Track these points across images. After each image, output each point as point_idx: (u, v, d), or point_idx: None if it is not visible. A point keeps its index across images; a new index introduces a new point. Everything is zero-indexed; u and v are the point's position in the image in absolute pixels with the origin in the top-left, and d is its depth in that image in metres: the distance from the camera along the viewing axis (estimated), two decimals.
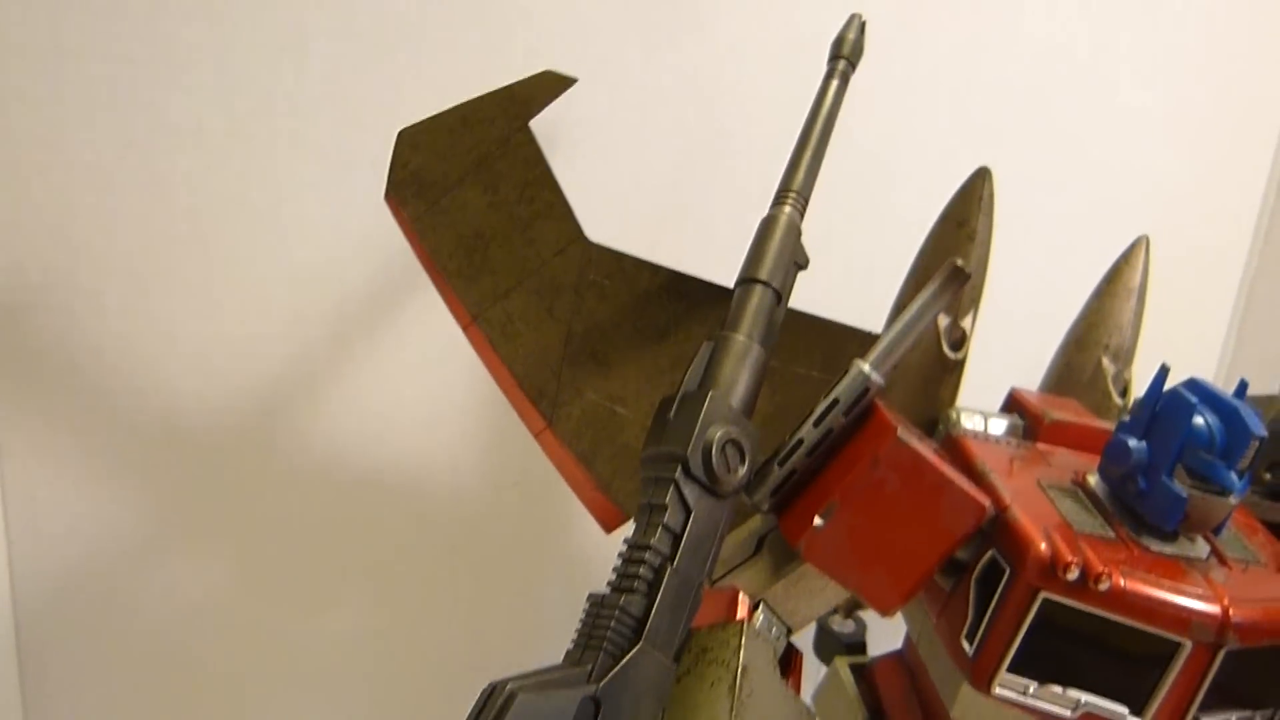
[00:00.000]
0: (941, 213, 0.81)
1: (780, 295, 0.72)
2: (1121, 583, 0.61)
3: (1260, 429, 0.64)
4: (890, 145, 1.14)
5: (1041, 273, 1.14)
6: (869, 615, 0.99)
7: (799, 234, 0.75)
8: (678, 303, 0.78)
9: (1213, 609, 0.62)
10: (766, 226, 0.74)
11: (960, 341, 0.81)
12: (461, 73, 1.04)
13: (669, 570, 0.59)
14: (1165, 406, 0.66)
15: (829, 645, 0.98)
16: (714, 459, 0.61)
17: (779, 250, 0.72)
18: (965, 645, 0.67)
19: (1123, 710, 0.65)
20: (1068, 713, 0.65)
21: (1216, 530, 0.67)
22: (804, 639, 0.96)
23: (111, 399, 1.10)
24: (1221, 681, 0.68)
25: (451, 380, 1.11)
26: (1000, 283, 0.93)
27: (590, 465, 0.84)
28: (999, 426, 0.79)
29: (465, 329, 0.78)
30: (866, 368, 0.64)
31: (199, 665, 1.19)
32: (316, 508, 1.15)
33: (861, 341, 0.82)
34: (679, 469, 0.61)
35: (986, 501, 0.64)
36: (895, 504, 0.63)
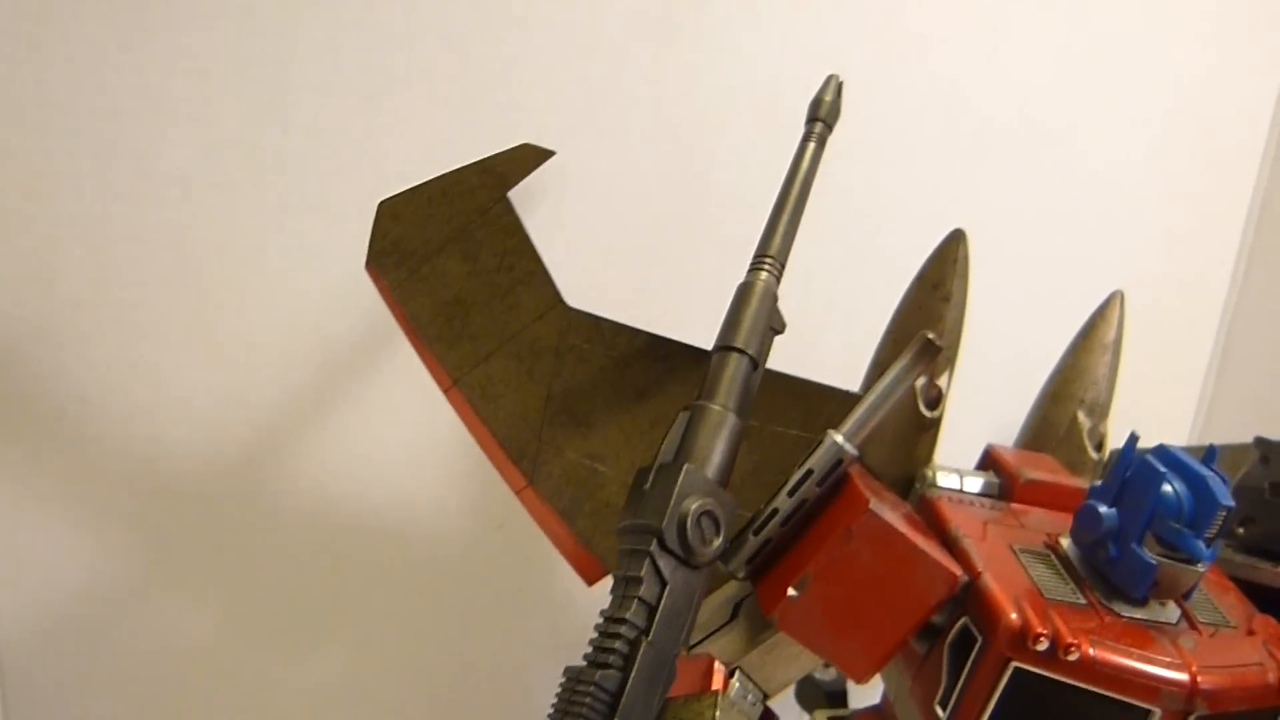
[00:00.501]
0: (917, 274, 0.82)
1: (756, 362, 0.73)
2: (1091, 652, 0.62)
3: (1227, 499, 0.65)
4: (864, 198, 1.16)
5: (1019, 327, 1.16)
6: None
7: (775, 300, 0.76)
8: (656, 365, 0.79)
9: (1181, 677, 0.63)
10: (743, 293, 0.75)
11: (936, 400, 0.82)
12: (443, 126, 1.05)
13: (644, 644, 0.60)
14: (1135, 474, 0.67)
15: (810, 693, 0.99)
16: (689, 531, 0.62)
17: (755, 317, 0.73)
18: (939, 711, 0.68)
19: None
20: None
21: (1186, 595, 0.68)
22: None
23: (98, 446, 1.10)
24: None
25: (437, 423, 1.12)
26: (979, 336, 0.95)
27: (571, 521, 0.85)
28: (975, 484, 0.80)
29: (446, 392, 0.79)
30: (840, 439, 0.65)
31: (184, 712, 1.19)
32: (302, 553, 1.16)
33: (840, 401, 0.83)
34: (654, 542, 0.62)
35: (959, 571, 0.65)
36: (868, 575, 0.64)
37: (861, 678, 0.67)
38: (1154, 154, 1.23)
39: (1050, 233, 1.21)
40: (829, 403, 0.83)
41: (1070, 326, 0.92)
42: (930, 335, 0.64)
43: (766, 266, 0.77)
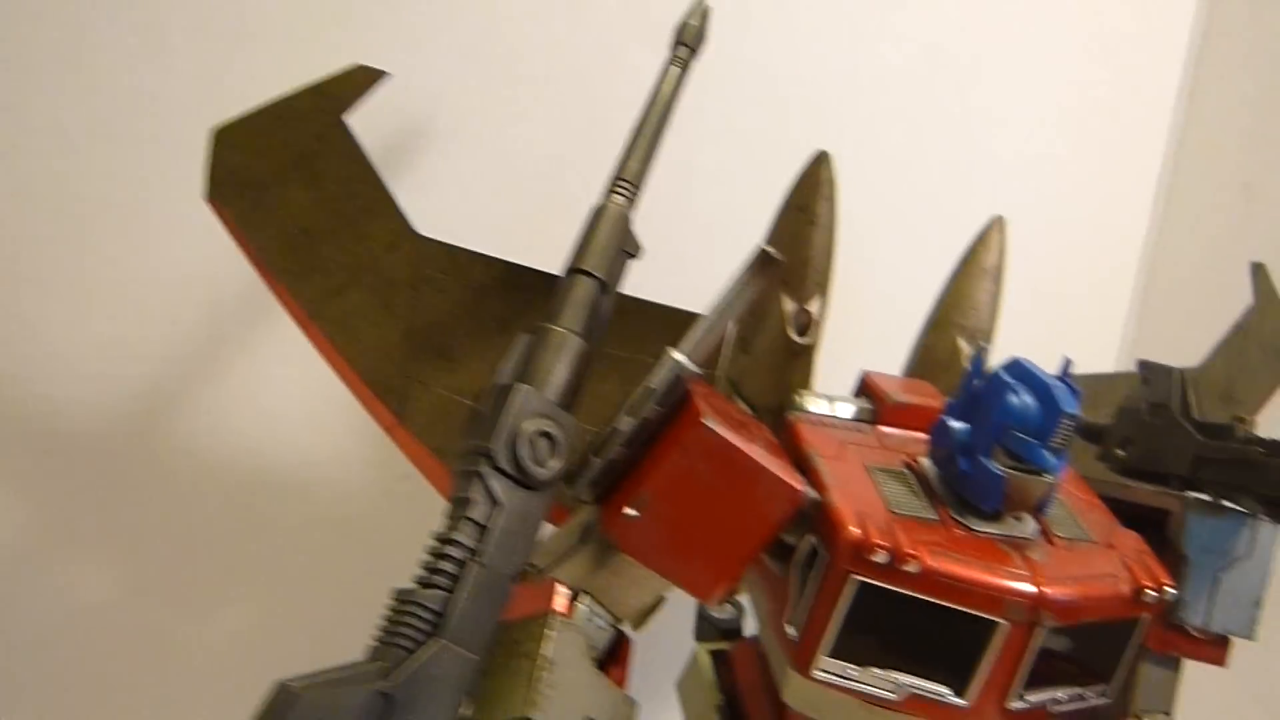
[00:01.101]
0: (783, 198, 0.80)
1: (606, 285, 0.71)
2: (931, 564, 0.61)
3: (1072, 407, 0.64)
4: (763, 139, 1.14)
5: (920, 256, 1.14)
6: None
7: (628, 223, 0.75)
8: (516, 294, 0.77)
9: (1026, 587, 0.62)
10: (595, 217, 0.73)
11: (807, 326, 0.80)
12: (319, 63, 1.03)
13: (472, 564, 0.59)
14: (984, 387, 0.66)
15: (706, 631, 0.98)
16: (521, 451, 0.61)
17: (605, 241, 0.72)
18: (789, 631, 0.67)
19: (945, 691, 0.65)
20: (891, 694, 0.65)
21: (1041, 508, 0.67)
22: (684, 625, 0.96)
23: None
24: (1049, 659, 0.68)
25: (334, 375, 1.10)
26: (874, 265, 0.93)
27: (446, 459, 0.83)
28: (846, 410, 0.79)
29: (304, 327, 0.78)
30: (679, 356, 0.64)
31: (87, 671, 1.17)
32: (202, 508, 1.14)
33: None
34: (484, 462, 0.61)
35: (801, 486, 0.64)
36: (707, 492, 0.63)
37: (708, 599, 0.66)
38: (1069, 83, 1.22)
39: (969, 170, 1.20)
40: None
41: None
42: (767, 248, 0.63)
43: (621, 190, 0.75)
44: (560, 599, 0.65)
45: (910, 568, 0.61)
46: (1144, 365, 0.86)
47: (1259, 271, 1.04)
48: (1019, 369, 0.67)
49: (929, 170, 1.20)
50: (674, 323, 0.81)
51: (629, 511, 0.63)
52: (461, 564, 0.59)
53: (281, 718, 0.52)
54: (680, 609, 0.83)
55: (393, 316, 0.77)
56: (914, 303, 0.93)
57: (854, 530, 0.62)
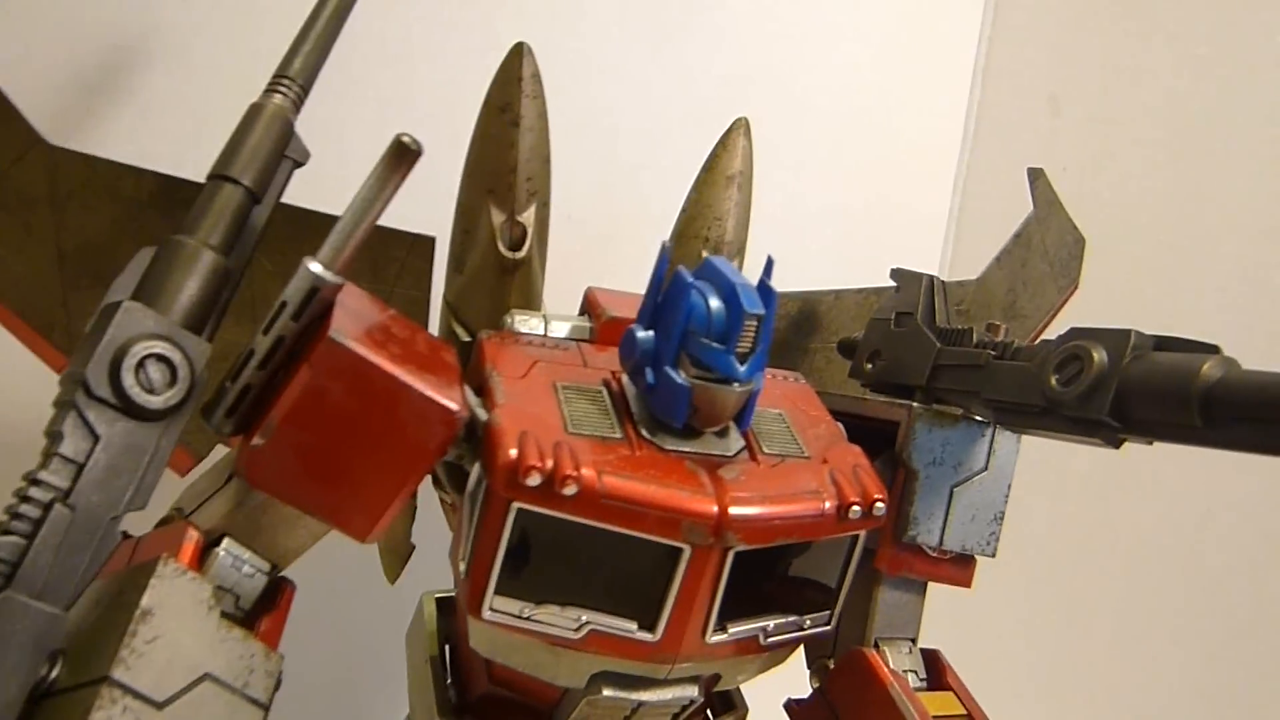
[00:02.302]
0: (484, 99, 0.72)
1: (256, 195, 0.63)
2: (595, 485, 0.55)
3: (756, 306, 0.57)
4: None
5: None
6: None
7: (290, 126, 0.66)
8: (178, 211, 0.68)
9: (706, 507, 0.56)
10: (248, 117, 0.65)
11: (521, 240, 0.73)
12: None
13: (60, 507, 0.51)
14: (669, 291, 0.60)
15: None
16: (125, 377, 0.53)
17: (259, 144, 0.64)
18: (460, 567, 0.60)
19: (629, 626, 0.59)
20: (572, 633, 0.59)
21: (741, 421, 0.61)
22: None
23: None
24: (778, 586, 0.62)
25: None
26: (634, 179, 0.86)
27: None
28: (562, 328, 0.72)
29: None
30: (315, 266, 0.56)
31: None
32: None
33: (411, 245, 0.73)
34: (80, 390, 0.52)
35: (455, 406, 0.57)
36: (346, 416, 0.55)
37: (363, 536, 0.59)
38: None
39: (782, 85, 1.13)
40: (397, 247, 0.74)
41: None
42: (404, 136, 0.55)
43: (283, 88, 0.67)
44: (189, 544, 0.57)
45: (568, 490, 0.54)
46: (898, 273, 0.80)
47: (1038, 178, 0.99)
48: (709, 268, 0.61)
49: (730, 82, 1.13)
50: (370, 241, 0.73)
51: (255, 440, 0.56)
52: (48, 507, 0.51)
53: None
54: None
55: (37, 240, 0.68)
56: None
57: (510, 452, 0.55)
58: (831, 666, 0.72)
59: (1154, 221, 1.17)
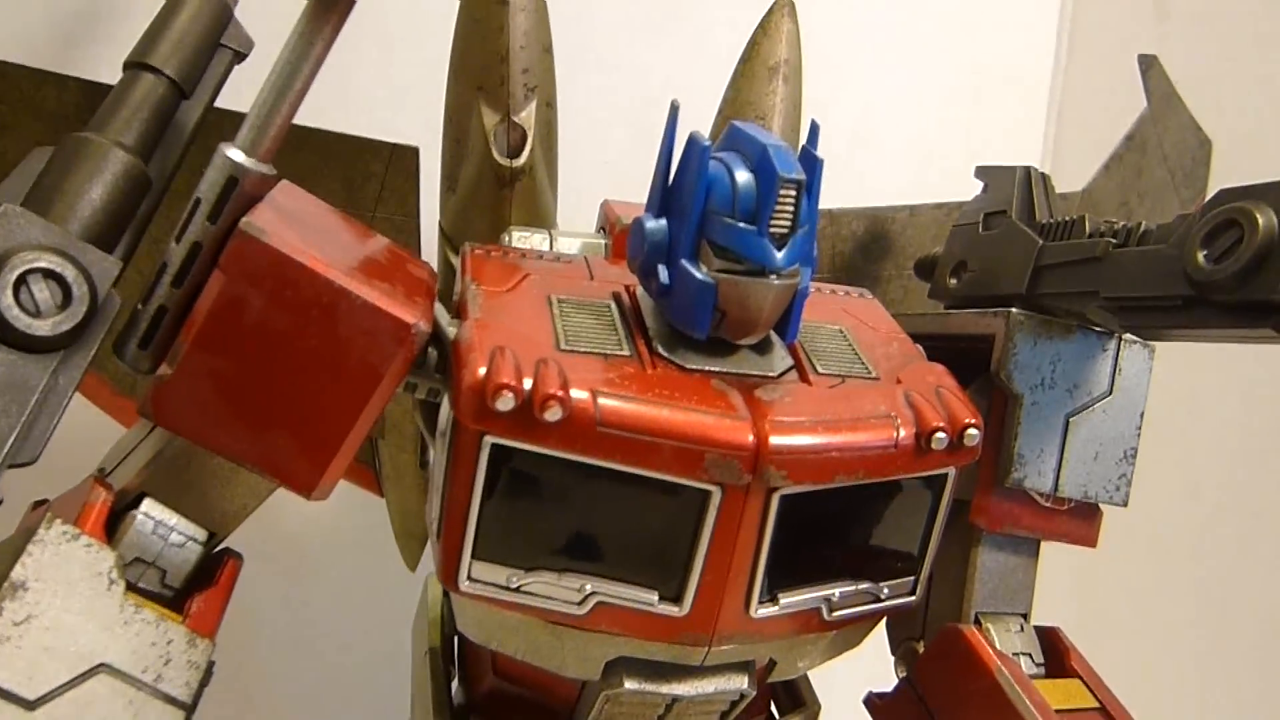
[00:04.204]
0: None
1: (183, 88, 0.52)
2: (591, 408, 0.42)
3: (792, 170, 0.44)
4: None
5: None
6: None
7: (227, 10, 0.55)
8: None
9: (738, 436, 0.43)
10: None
11: (520, 145, 0.61)
12: None
13: None
14: (683, 163, 0.46)
15: None
16: (1, 297, 0.42)
17: (187, 29, 0.53)
18: (432, 529, 0.47)
19: (649, 596, 0.46)
20: (575, 607, 0.46)
21: (787, 328, 0.47)
22: None
23: None
24: (816, 546, 0.48)
25: None
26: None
27: (100, 366, 0.64)
28: (572, 245, 0.60)
29: None
30: (232, 152, 0.44)
31: None
32: None
33: (390, 156, 0.62)
34: None
35: (412, 317, 0.44)
36: (271, 333, 0.44)
37: (309, 490, 0.47)
38: None
39: None
40: (374, 161, 0.62)
41: None
42: None
43: None
44: (94, 505, 0.46)
45: (550, 414, 0.41)
46: (984, 171, 0.66)
47: (1151, 66, 0.83)
48: (733, 134, 0.47)
49: None
50: (335, 151, 0.62)
51: (163, 370, 0.44)
52: None
53: None
54: None
55: None
56: None
57: (478, 370, 0.42)
58: (921, 650, 0.57)
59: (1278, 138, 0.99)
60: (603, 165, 0.72)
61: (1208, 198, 0.82)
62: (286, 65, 0.44)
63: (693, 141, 0.45)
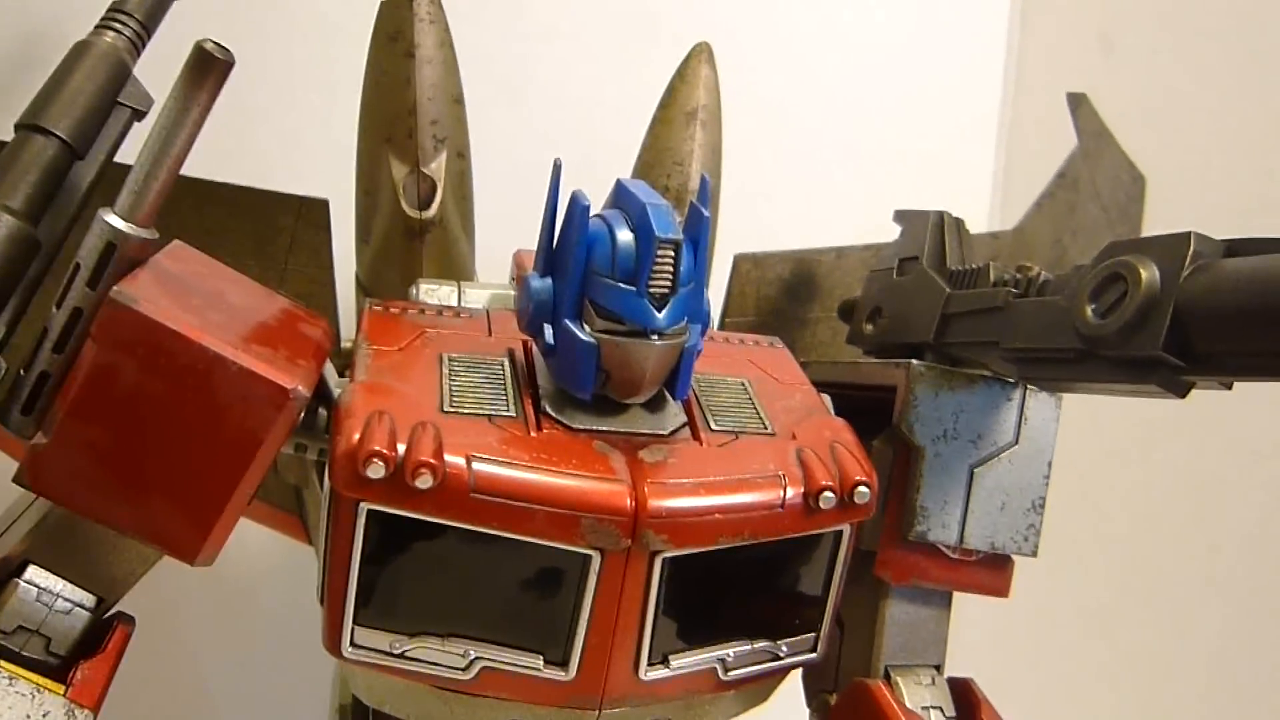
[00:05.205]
0: (373, 27, 0.60)
1: (74, 149, 0.52)
2: (465, 474, 0.41)
3: (670, 230, 0.44)
4: None
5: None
6: None
7: (125, 69, 0.55)
8: None
9: (613, 500, 0.42)
10: (70, 56, 0.54)
11: (430, 196, 0.61)
12: None
13: None
14: (566, 222, 0.46)
15: None
16: None
17: (80, 88, 0.53)
18: (317, 593, 0.47)
19: (533, 661, 0.45)
20: (460, 673, 0.45)
21: (675, 389, 0.47)
22: None
23: None
24: (700, 602, 0.48)
25: None
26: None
27: None
28: (479, 298, 0.59)
29: None
30: (110, 217, 0.44)
31: None
32: None
33: (301, 210, 0.62)
34: None
35: (290, 382, 0.44)
36: (147, 400, 0.43)
37: (190, 557, 0.46)
38: None
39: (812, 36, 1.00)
40: (283, 215, 0.62)
41: None
42: (207, 42, 0.43)
43: (117, 24, 0.56)
44: None
45: (421, 482, 0.41)
46: (899, 214, 0.66)
47: (1080, 104, 0.83)
48: (618, 192, 0.47)
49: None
50: (247, 205, 0.62)
51: (37, 439, 0.44)
52: None
53: None
54: None
55: None
56: None
57: (352, 436, 0.42)
58: (833, 702, 0.56)
59: (1224, 173, 0.99)
60: (524, 212, 0.71)
61: (1142, 234, 0.82)
62: (163, 130, 0.44)
63: (574, 201, 0.45)
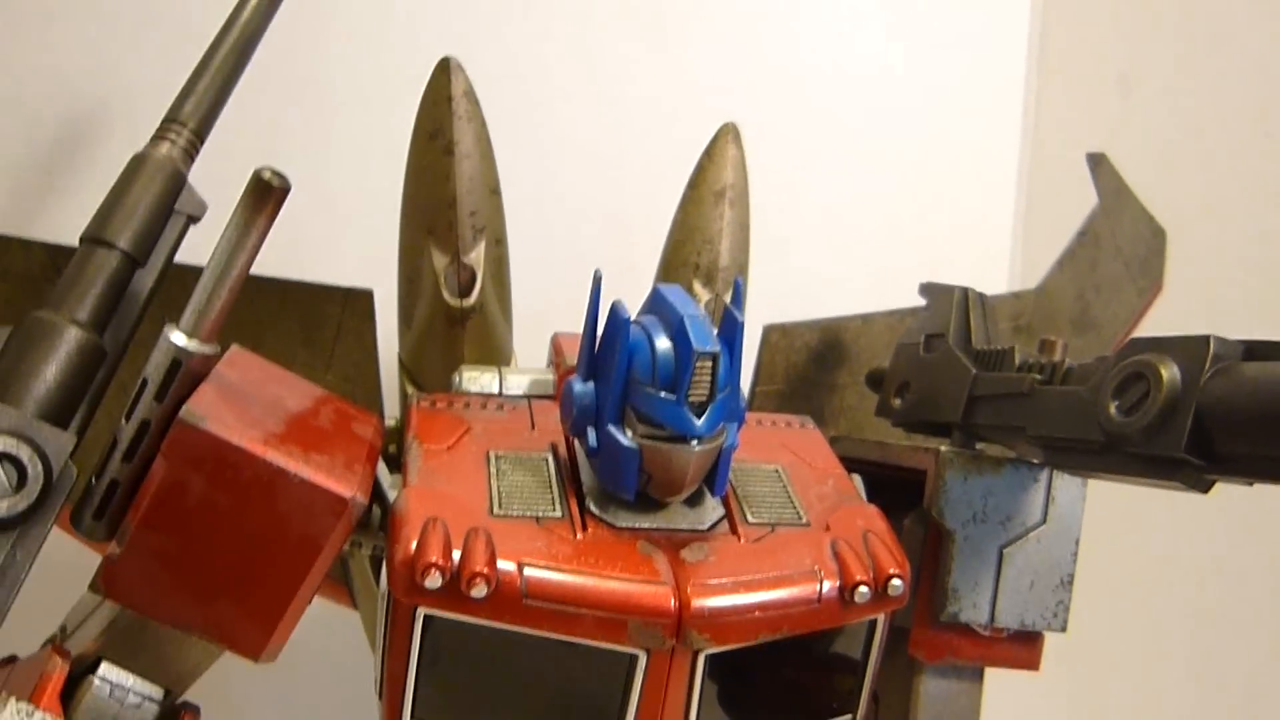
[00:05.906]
0: (414, 125, 0.63)
1: (135, 259, 0.55)
2: (517, 582, 0.44)
3: (707, 343, 0.45)
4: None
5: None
6: None
7: (180, 178, 0.58)
8: None
9: (658, 602, 0.45)
10: (129, 170, 0.57)
11: (469, 285, 0.63)
12: None
13: None
14: (606, 331, 0.48)
15: None
16: None
17: (138, 199, 0.55)
18: (375, 686, 0.49)
19: None
20: None
21: (714, 486, 0.49)
22: None
23: None
24: (741, 691, 0.50)
25: None
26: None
27: None
28: (519, 384, 0.61)
29: None
30: (176, 335, 0.46)
31: None
32: None
33: (344, 300, 0.64)
34: None
35: (348, 491, 0.46)
36: (214, 512, 0.46)
37: (255, 654, 0.48)
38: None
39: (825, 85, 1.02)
40: (330, 305, 0.64)
41: None
42: (265, 171, 0.45)
43: (171, 135, 0.59)
44: (50, 676, 0.48)
45: (476, 592, 0.43)
46: (924, 287, 0.67)
47: (1100, 163, 0.85)
48: (655, 299, 0.49)
49: (730, 80, 1.02)
50: (292, 297, 0.65)
51: (112, 549, 0.46)
52: None
53: None
54: None
55: None
56: None
57: (409, 546, 0.44)
58: None
59: (1245, 214, 1.00)
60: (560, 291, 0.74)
61: (1161, 289, 0.84)
62: (224, 252, 0.46)
63: (614, 313, 0.47)
